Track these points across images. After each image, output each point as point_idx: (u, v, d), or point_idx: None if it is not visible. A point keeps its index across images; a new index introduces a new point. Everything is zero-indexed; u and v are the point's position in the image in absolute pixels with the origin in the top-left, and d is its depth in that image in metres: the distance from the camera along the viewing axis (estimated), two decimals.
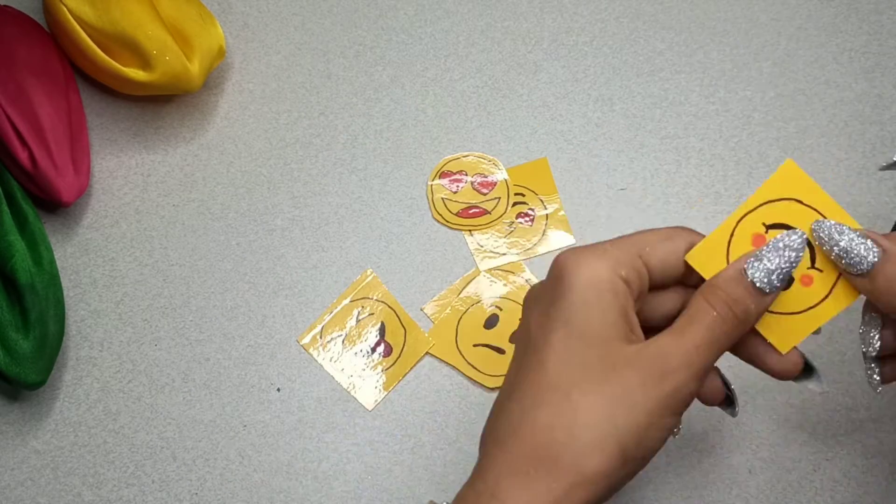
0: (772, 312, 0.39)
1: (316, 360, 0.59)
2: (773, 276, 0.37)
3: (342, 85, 0.66)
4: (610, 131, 0.64)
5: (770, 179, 0.39)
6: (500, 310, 0.59)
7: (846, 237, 0.37)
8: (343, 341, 0.59)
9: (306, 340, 0.59)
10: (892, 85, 0.65)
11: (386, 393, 0.58)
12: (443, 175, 0.63)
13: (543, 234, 0.61)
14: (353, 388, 0.58)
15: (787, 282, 0.38)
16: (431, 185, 0.63)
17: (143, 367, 0.59)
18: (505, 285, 0.60)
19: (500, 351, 0.58)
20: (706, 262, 0.39)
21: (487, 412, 0.58)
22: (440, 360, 0.59)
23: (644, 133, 0.64)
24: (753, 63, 0.66)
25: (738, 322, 0.37)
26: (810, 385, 0.40)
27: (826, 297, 0.39)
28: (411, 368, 0.58)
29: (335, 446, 0.57)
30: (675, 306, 0.40)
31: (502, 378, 0.58)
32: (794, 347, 0.39)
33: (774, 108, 0.65)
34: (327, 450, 0.57)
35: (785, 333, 0.39)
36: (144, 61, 0.60)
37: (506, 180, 0.63)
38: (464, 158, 0.64)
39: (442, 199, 0.62)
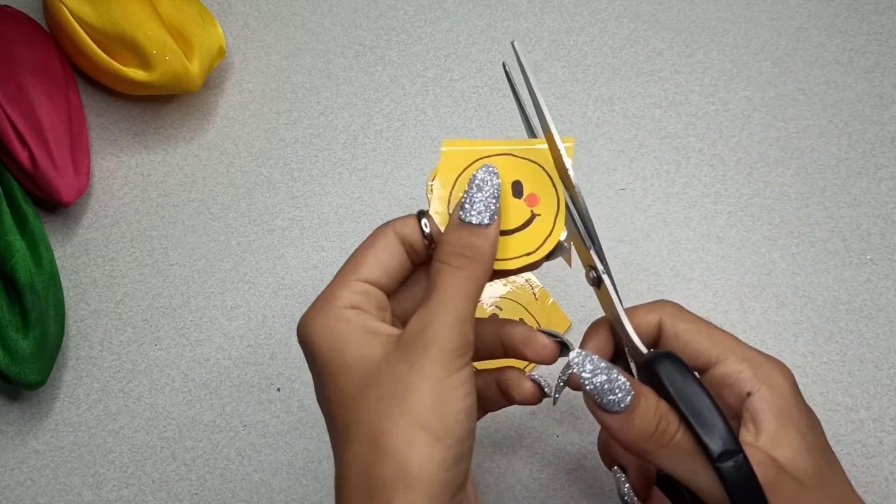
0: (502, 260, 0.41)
1: None
2: (483, 208, 0.39)
3: (342, 85, 0.66)
4: (610, 131, 0.64)
5: (439, 164, 0.43)
6: (500, 310, 0.59)
7: (604, 374, 0.37)
8: None
9: None
10: (892, 85, 0.65)
11: None
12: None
13: None
14: None
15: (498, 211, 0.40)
16: (431, 185, 0.63)
17: (143, 367, 0.59)
18: (505, 285, 0.60)
19: None
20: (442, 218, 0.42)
21: (487, 412, 0.58)
22: None
23: (644, 133, 0.64)
24: (753, 63, 0.66)
25: (472, 262, 0.39)
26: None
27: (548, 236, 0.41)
28: None
29: None
30: (419, 287, 0.42)
31: None
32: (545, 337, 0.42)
33: (774, 108, 0.65)
34: (327, 450, 0.57)
35: (520, 250, 0.41)
36: (144, 61, 0.60)
37: None
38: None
39: None
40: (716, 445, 0.36)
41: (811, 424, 0.40)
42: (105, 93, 0.66)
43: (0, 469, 0.57)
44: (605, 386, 0.37)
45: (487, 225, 0.39)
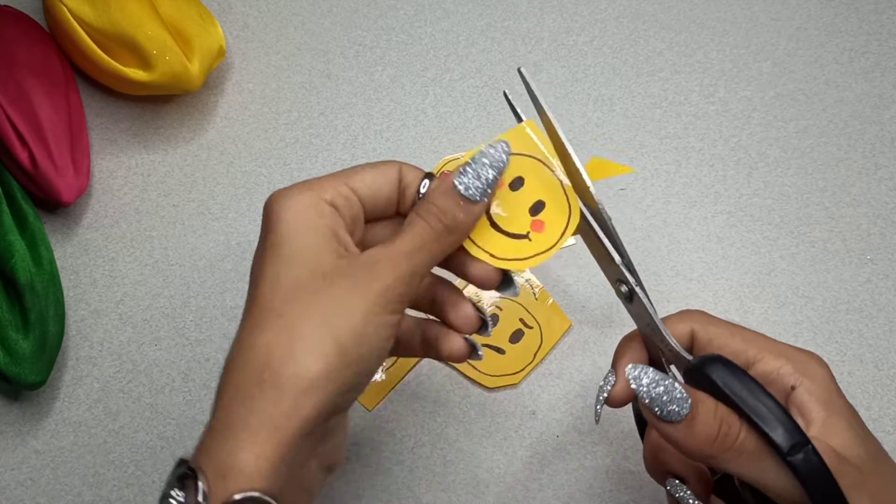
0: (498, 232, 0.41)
1: None
2: (480, 185, 0.39)
3: (342, 85, 0.66)
4: (610, 131, 0.64)
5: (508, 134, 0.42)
6: (500, 310, 0.59)
7: (661, 385, 0.37)
8: None
9: None
10: (892, 85, 0.65)
11: (386, 393, 0.58)
12: (443, 175, 0.63)
13: None
14: None
15: (493, 192, 0.40)
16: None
17: (143, 367, 0.59)
18: None
19: (500, 351, 0.58)
20: None
21: (487, 412, 0.58)
22: None
23: (644, 133, 0.64)
24: (753, 63, 0.66)
25: (447, 231, 0.39)
26: (507, 294, 0.43)
27: (546, 250, 0.41)
28: (412, 368, 0.58)
29: None
30: (395, 233, 0.42)
31: (502, 378, 0.58)
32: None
33: (774, 108, 0.65)
34: None
35: (496, 251, 0.41)
36: (144, 61, 0.60)
37: None
38: (464, 158, 0.63)
39: None
40: (783, 439, 0.36)
41: (854, 413, 0.40)
42: (105, 93, 0.66)
43: (0, 469, 0.57)
44: (665, 397, 0.37)
45: (476, 202, 0.39)
